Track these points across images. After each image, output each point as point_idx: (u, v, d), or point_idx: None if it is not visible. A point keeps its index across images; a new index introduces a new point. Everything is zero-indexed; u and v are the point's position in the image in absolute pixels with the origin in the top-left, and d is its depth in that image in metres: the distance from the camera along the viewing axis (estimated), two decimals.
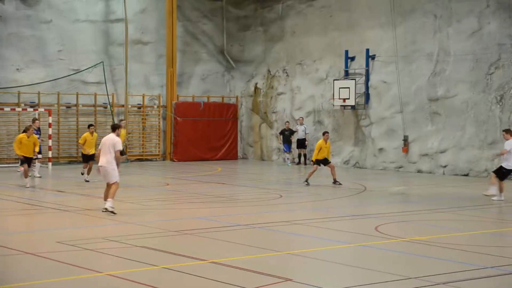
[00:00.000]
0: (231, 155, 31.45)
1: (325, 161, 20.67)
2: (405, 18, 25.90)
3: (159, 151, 30.30)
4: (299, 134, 28.53)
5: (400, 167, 26.02)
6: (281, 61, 30.52)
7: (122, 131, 23.98)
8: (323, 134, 21.11)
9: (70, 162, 27.67)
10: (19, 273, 9.64)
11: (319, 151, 20.59)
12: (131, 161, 28.53)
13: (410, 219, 14.67)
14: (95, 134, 21.47)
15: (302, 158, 28.71)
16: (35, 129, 21.10)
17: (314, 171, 20.63)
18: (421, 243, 11.84)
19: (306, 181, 20.66)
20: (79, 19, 28.52)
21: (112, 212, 14.34)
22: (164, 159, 30.17)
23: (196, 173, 25.05)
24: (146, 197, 17.93)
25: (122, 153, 23.97)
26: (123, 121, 24.88)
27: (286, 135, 28.70)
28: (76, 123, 28.24)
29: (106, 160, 14.48)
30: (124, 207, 15.55)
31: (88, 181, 20.60)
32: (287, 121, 29.29)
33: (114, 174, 14.55)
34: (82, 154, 21.40)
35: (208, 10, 31.70)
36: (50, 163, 25.90)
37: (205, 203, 16.89)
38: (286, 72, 30.39)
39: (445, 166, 24.77)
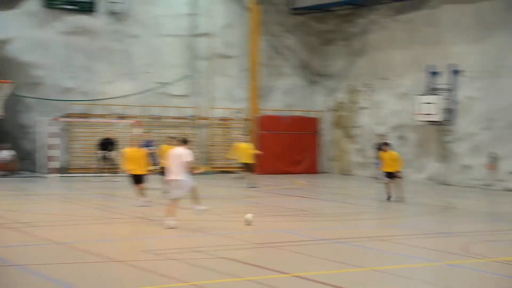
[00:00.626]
0: (311, 169, 31.38)
1: (392, 175, 20.32)
2: (491, 33, 25.24)
3: None
4: None
5: (487, 185, 25.30)
6: (364, 76, 30.29)
7: (245, 145, 24.21)
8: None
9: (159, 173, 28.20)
10: (108, 280, 9.91)
11: (385, 162, 20.55)
12: (215, 173, 28.81)
13: (500, 239, 14.21)
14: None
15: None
16: (144, 142, 19.78)
17: (388, 184, 20.37)
18: None
19: (389, 197, 20.30)
20: (165, 33, 29.23)
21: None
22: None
23: (279, 186, 25.10)
24: (229, 209, 18.11)
25: (250, 168, 24.23)
26: (248, 136, 25.30)
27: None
28: (161, 134, 28.75)
29: (178, 172, 14.55)
30: (208, 218, 15.75)
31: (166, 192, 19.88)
32: (382, 134, 27.50)
33: (187, 184, 14.64)
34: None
35: (291, 24, 31.84)
36: None
37: (289, 216, 16.90)
38: (369, 87, 30.13)
39: None
